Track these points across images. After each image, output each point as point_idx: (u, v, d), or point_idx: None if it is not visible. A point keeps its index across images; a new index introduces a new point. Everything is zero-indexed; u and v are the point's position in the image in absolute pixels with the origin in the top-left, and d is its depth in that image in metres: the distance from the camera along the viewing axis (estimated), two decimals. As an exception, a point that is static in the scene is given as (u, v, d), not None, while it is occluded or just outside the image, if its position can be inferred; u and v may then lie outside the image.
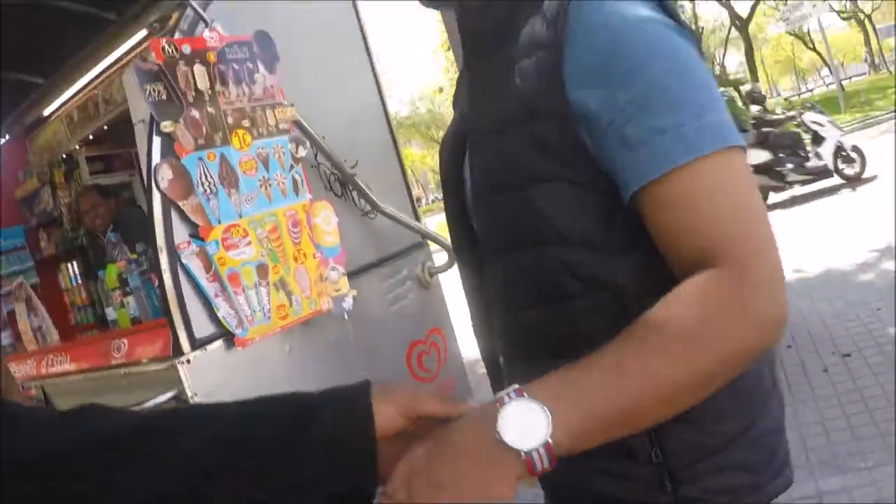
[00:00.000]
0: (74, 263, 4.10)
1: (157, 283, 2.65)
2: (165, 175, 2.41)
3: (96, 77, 4.07)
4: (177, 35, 2.70)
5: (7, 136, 4.95)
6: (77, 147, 4.42)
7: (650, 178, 0.81)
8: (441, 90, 29.95)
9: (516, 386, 0.76)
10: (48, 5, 3.72)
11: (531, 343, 1.02)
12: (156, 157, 2.47)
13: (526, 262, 0.95)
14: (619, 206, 0.86)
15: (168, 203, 2.42)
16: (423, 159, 42.34)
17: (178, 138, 2.46)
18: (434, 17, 28.12)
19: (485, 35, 1.01)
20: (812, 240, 7.24)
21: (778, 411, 1.05)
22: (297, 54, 2.92)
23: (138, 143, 3.24)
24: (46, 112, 4.56)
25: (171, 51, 2.56)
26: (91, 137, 4.32)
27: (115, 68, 3.97)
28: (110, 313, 3.26)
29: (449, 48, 25.46)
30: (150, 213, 2.46)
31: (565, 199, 0.89)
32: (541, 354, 0.96)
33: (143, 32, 3.72)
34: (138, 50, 3.80)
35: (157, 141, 2.48)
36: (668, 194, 0.81)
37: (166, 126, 2.45)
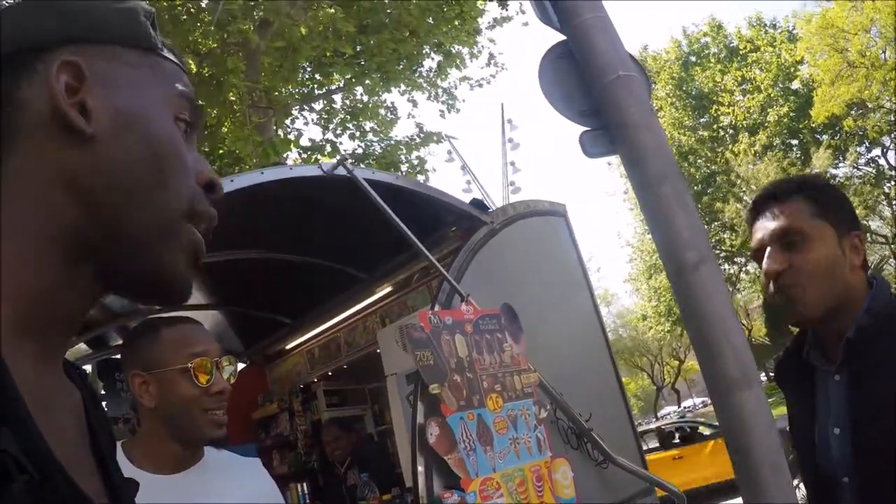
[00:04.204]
0: (305, 485, 4.57)
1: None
2: (433, 431, 2.82)
3: (341, 322, 4.77)
4: (436, 307, 3.24)
5: (248, 363, 5.77)
6: (315, 380, 5.06)
7: None
8: (644, 318, 30.40)
9: None
10: (304, 262, 4.51)
11: None
12: (421, 415, 2.91)
13: None
14: None
15: (434, 456, 2.81)
16: (628, 385, 41.88)
17: (443, 400, 2.89)
18: (627, 255, 29.22)
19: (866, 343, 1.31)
20: None
21: None
22: (536, 322, 3.40)
23: (390, 393, 3.77)
24: (289, 346, 5.32)
25: (436, 321, 3.08)
26: (329, 373, 4.96)
27: (358, 317, 4.65)
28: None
29: (651, 277, 25.82)
30: (413, 464, 2.85)
31: None
32: None
33: (387, 289, 4.41)
34: (383, 304, 4.48)
35: (423, 401, 2.93)
36: None
37: (434, 388, 2.89)
